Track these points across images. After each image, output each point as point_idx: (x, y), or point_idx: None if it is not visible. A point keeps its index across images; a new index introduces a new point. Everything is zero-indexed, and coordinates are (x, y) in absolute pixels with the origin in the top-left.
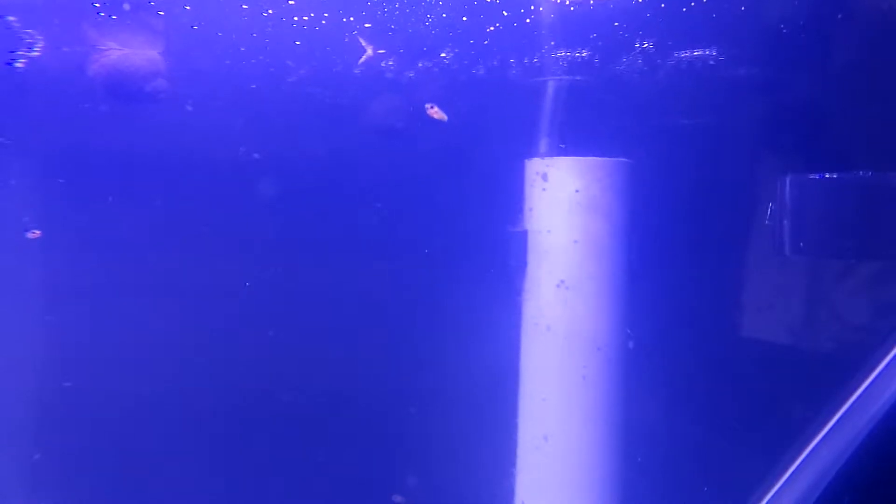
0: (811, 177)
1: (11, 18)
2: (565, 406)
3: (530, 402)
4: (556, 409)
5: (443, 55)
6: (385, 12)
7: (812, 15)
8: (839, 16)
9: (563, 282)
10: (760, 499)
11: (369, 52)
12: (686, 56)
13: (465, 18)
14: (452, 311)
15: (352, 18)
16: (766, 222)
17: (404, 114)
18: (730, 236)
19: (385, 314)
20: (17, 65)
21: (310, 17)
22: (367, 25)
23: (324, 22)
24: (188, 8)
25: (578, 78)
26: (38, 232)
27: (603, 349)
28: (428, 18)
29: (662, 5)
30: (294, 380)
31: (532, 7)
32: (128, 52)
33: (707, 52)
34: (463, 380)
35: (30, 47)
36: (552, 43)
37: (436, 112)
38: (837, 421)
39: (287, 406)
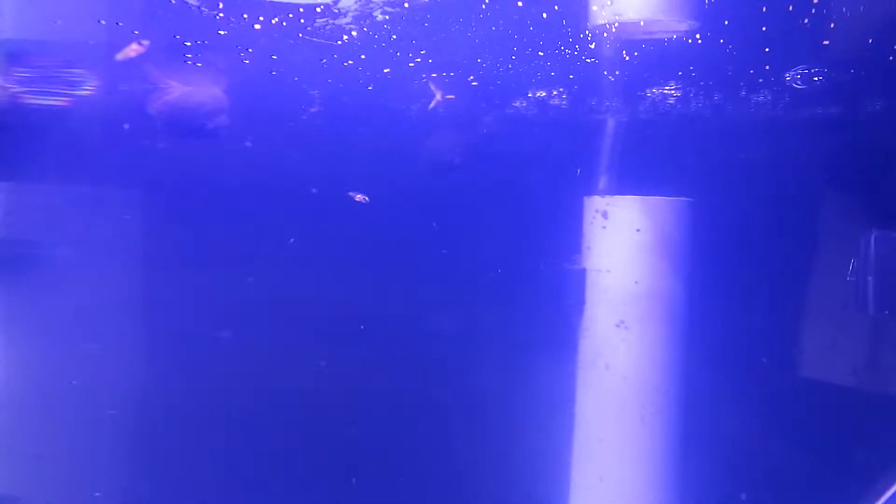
0: None
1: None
2: (622, 447)
3: (586, 442)
4: (613, 450)
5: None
6: (447, 55)
7: None
8: None
9: (622, 321)
10: None
11: (438, 96)
12: (757, 95)
13: (526, 53)
14: (508, 348)
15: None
16: (849, 278)
17: (463, 150)
18: (794, 278)
19: (439, 351)
20: (56, 102)
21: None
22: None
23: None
24: (250, 51)
25: (641, 115)
26: (364, 197)
27: (661, 390)
28: (492, 58)
29: (727, 42)
30: (350, 414)
31: (594, 46)
32: (190, 89)
33: (780, 91)
34: (518, 418)
35: (74, 85)
36: (615, 80)
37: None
38: None
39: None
